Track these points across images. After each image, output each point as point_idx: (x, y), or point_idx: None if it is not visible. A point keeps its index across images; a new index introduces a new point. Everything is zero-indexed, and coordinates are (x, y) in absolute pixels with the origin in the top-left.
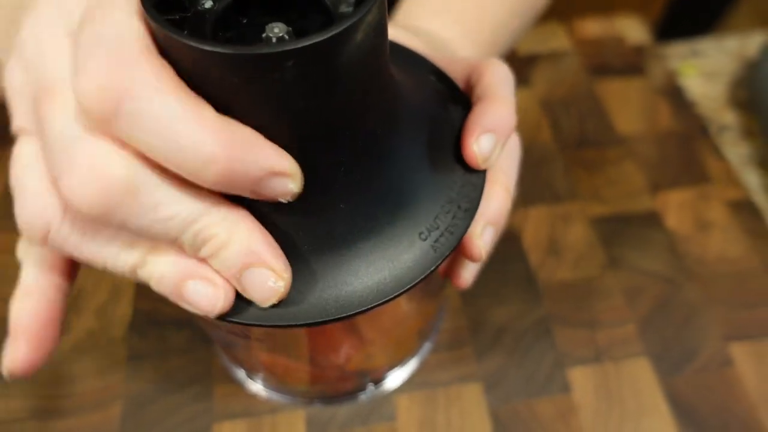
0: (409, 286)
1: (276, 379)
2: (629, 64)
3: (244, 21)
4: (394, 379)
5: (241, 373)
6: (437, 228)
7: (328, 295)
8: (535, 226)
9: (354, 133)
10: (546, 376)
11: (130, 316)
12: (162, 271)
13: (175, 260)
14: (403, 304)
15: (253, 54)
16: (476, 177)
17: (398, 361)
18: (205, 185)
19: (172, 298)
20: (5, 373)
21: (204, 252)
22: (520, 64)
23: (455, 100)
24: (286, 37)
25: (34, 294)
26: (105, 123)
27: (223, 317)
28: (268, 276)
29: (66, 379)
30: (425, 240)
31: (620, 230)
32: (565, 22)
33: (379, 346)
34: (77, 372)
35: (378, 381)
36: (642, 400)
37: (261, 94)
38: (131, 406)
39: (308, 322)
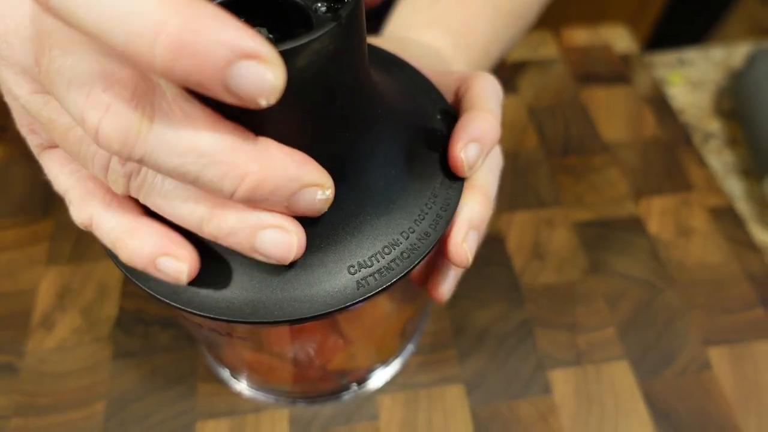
0: (321, 313)
1: (259, 378)
2: (615, 72)
3: None
4: (377, 379)
5: (225, 373)
6: (369, 266)
7: (234, 293)
8: (520, 230)
9: (318, 145)
10: (527, 378)
11: (116, 315)
12: (231, 225)
13: (242, 215)
14: (384, 305)
15: None
16: (434, 227)
17: (381, 362)
18: (158, 71)
19: (245, 252)
20: (184, 278)
21: (240, 193)
22: (508, 70)
23: (439, 128)
24: None
25: (143, 225)
26: (43, 4)
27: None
28: (316, 192)
29: (50, 376)
30: (353, 274)
31: (603, 235)
32: (554, 30)
33: (361, 346)
34: (62, 370)
35: (361, 381)
36: (621, 402)
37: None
38: (115, 403)
39: (200, 313)
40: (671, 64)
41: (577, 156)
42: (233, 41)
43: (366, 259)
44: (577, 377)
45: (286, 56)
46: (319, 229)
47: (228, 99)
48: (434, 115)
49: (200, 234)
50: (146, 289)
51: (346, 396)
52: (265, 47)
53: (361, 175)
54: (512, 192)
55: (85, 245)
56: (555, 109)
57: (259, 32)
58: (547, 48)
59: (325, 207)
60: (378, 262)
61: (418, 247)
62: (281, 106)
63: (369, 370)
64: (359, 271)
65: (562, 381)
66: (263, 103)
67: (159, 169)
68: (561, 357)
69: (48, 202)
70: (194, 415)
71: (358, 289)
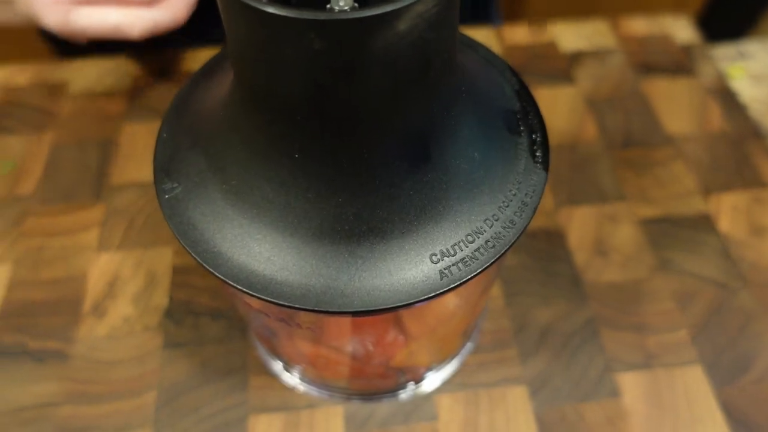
0: (403, 303)
1: (316, 373)
2: (677, 63)
3: None
4: (435, 378)
5: (277, 366)
6: (452, 255)
7: (314, 281)
8: (581, 225)
9: (407, 119)
10: (594, 380)
11: (166, 305)
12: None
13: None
14: (450, 303)
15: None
16: (520, 214)
17: (440, 361)
18: None
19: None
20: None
21: None
22: (565, 60)
23: (528, 114)
24: (348, 9)
25: None
26: None
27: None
28: None
29: (101, 364)
30: (436, 263)
31: (670, 232)
32: (610, 19)
33: (422, 343)
34: (113, 358)
35: (418, 380)
36: (696, 409)
37: (294, 58)
38: (165, 394)
39: (277, 302)
40: (731, 57)
41: (639, 149)
42: None
43: (449, 248)
44: (648, 381)
45: (388, 18)
46: (401, 214)
47: None
48: (511, 97)
49: None
50: (220, 276)
51: (403, 395)
52: None
53: (446, 157)
54: (571, 185)
55: (135, 233)
56: (614, 100)
57: (342, 1)
58: (604, 38)
59: None
60: (462, 250)
61: (504, 236)
62: (378, 73)
63: (428, 369)
64: (442, 260)
65: (631, 385)
66: None
67: None
68: (629, 359)
69: (98, 189)
70: (246, 409)
71: (441, 279)
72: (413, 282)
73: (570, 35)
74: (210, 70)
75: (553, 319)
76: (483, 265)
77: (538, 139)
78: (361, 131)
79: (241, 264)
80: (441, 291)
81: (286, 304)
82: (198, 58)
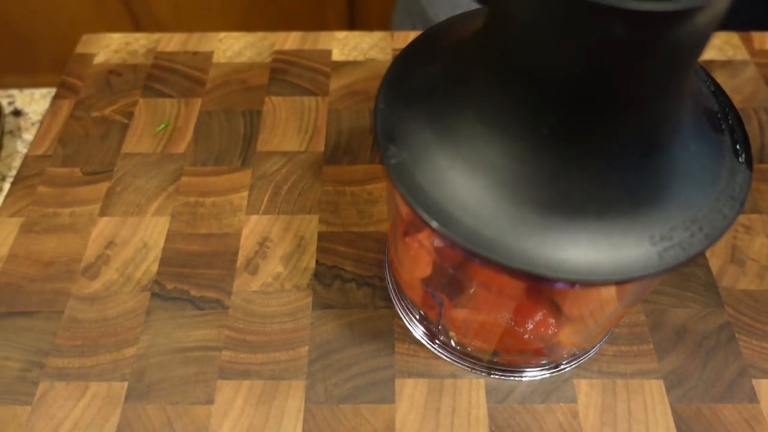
0: (622, 278)
1: (464, 339)
2: None
3: None
4: (573, 363)
5: (422, 336)
6: (670, 239)
7: (541, 250)
8: None
9: (640, 114)
10: (730, 383)
11: (314, 268)
12: None
13: None
14: (614, 296)
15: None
16: (729, 208)
17: (584, 347)
18: None
19: None
20: None
21: None
22: None
23: (727, 115)
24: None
25: None
26: None
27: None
28: None
29: (256, 317)
30: (654, 245)
31: None
32: (740, 31)
33: (572, 329)
34: (266, 312)
35: (558, 363)
36: None
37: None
38: (317, 350)
39: (509, 264)
40: None
41: None
42: None
43: (667, 231)
44: None
45: (699, 12)
46: (628, 196)
47: None
48: (709, 96)
49: None
50: (453, 236)
51: (542, 375)
52: None
53: (670, 146)
54: None
55: (281, 198)
56: (748, 112)
57: None
58: (735, 49)
59: None
60: (678, 235)
61: (716, 226)
62: (656, 65)
63: (570, 353)
64: (660, 242)
65: None
66: None
67: None
68: (767, 367)
69: (245, 155)
70: (393, 372)
71: (659, 260)
72: (633, 259)
73: None
74: (416, 51)
75: (688, 320)
76: (696, 251)
77: (739, 138)
78: (614, 116)
79: (470, 227)
80: (658, 271)
81: (518, 267)
82: (323, 39)
